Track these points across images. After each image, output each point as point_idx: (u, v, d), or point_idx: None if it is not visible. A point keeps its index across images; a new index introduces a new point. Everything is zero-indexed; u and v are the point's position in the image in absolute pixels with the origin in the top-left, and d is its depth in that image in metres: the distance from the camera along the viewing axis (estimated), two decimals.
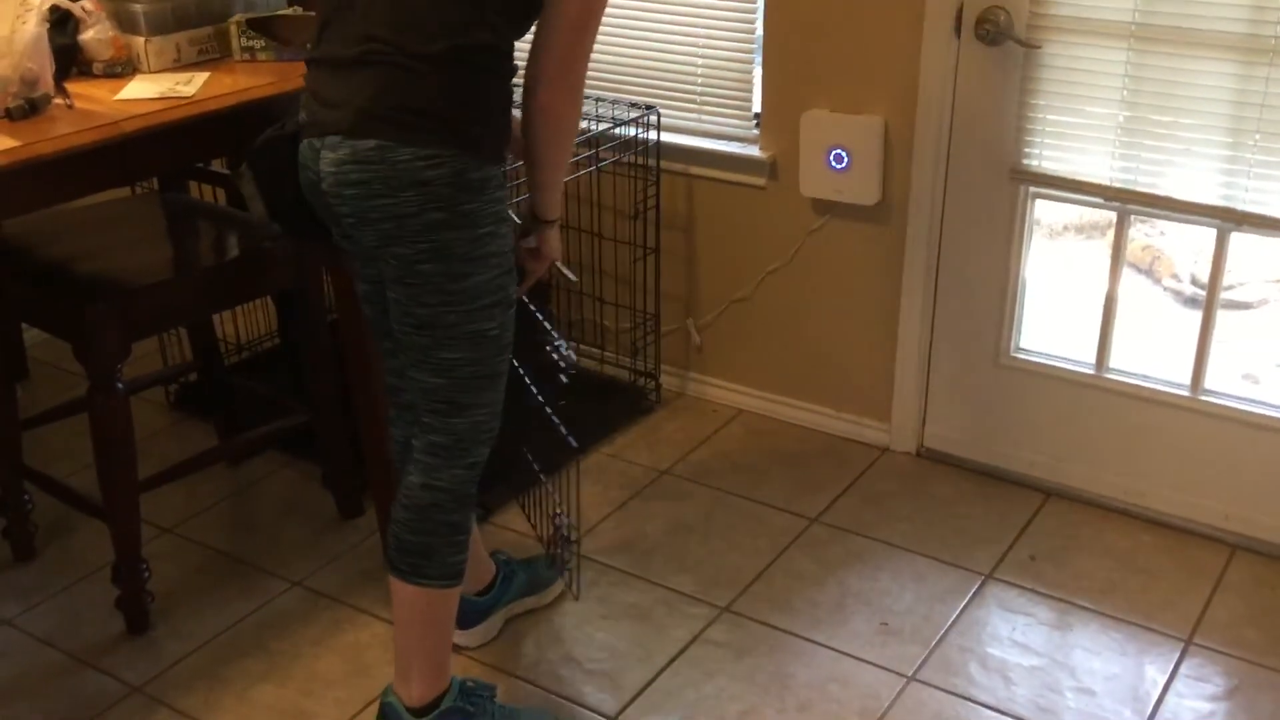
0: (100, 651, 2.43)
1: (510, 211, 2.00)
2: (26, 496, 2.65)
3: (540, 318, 2.49)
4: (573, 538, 2.52)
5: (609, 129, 2.95)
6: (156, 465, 2.57)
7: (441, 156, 1.82)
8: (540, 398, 2.58)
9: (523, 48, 1.90)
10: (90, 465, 2.41)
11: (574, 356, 2.37)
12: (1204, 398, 2.64)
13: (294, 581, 2.62)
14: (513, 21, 1.89)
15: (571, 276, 2.33)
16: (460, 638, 2.40)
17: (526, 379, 2.62)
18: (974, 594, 2.55)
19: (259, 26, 2.55)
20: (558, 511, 2.53)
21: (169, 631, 2.48)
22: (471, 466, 2.03)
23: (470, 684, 2.14)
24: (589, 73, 3.14)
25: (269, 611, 2.53)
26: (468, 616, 2.39)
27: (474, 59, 1.84)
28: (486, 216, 1.88)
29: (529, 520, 2.77)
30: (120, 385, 2.32)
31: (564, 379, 2.38)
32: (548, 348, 2.41)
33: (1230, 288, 2.93)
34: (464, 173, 1.84)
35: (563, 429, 2.46)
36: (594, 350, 3.33)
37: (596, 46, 3.07)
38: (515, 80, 1.95)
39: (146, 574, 2.47)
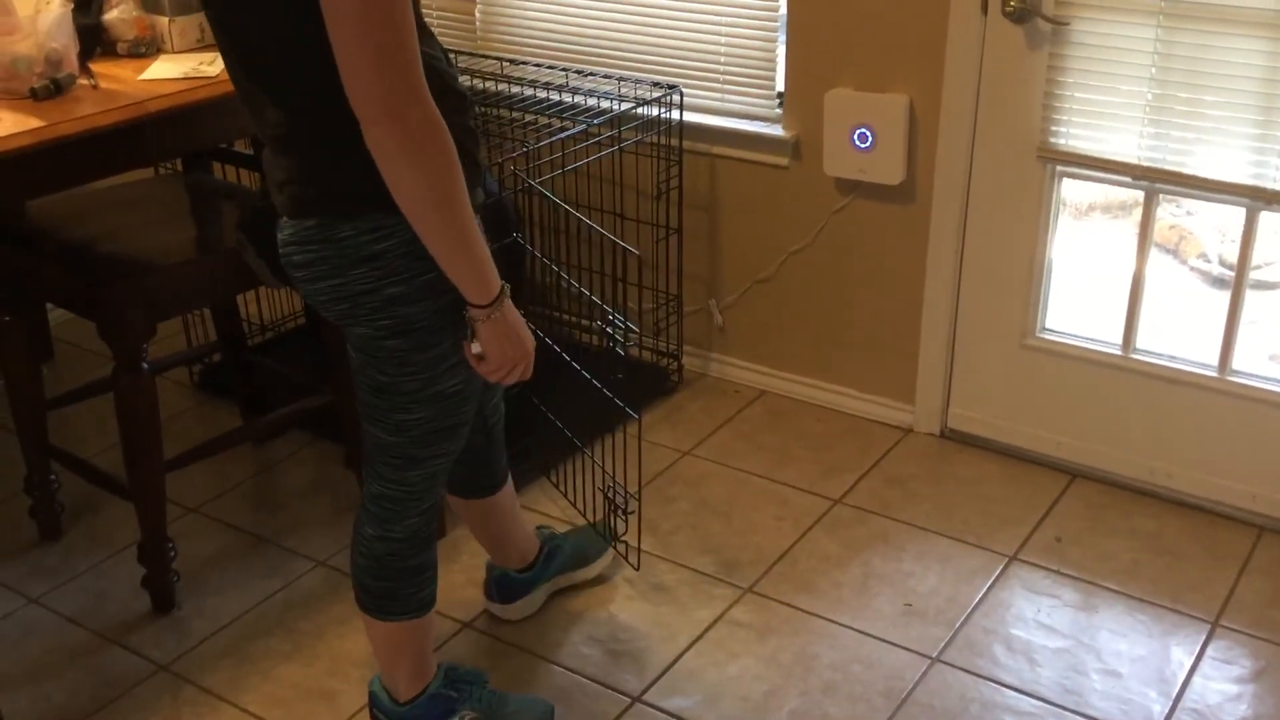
0: (126, 630, 2.44)
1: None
2: (53, 476, 2.67)
3: (589, 294, 2.49)
4: (630, 509, 2.52)
5: (631, 109, 2.94)
6: (181, 445, 2.58)
7: (389, 226, 1.65)
8: (586, 373, 2.58)
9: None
10: (116, 445, 2.42)
11: (635, 327, 2.35)
12: (1231, 378, 2.62)
13: (318, 561, 2.63)
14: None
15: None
16: (501, 611, 2.42)
17: (565, 355, 2.63)
18: (999, 575, 2.54)
19: None
20: (610, 484, 2.53)
21: (194, 610, 2.49)
22: (425, 512, 1.95)
23: (458, 670, 2.14)
24: (610, 51, 3.17)
25: (294, 591, 2.54)
26: (510, 591, 2.40)
27: None
28: (451, 282, 1.68)
29: (566, 496, 2.76)
30: (145, 365, 2.33)
31: (620, 351, 2.38)
32: (598, 322, 2.41)
33: (1258, 268, 2.90)
34: (419, 239, 1.63)
35: (619, 401, 2.46)
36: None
37: (620, 25, 3.10)
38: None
39: (172, 553, 2.48)
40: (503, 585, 2.39)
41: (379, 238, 1.67)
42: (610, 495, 2.56)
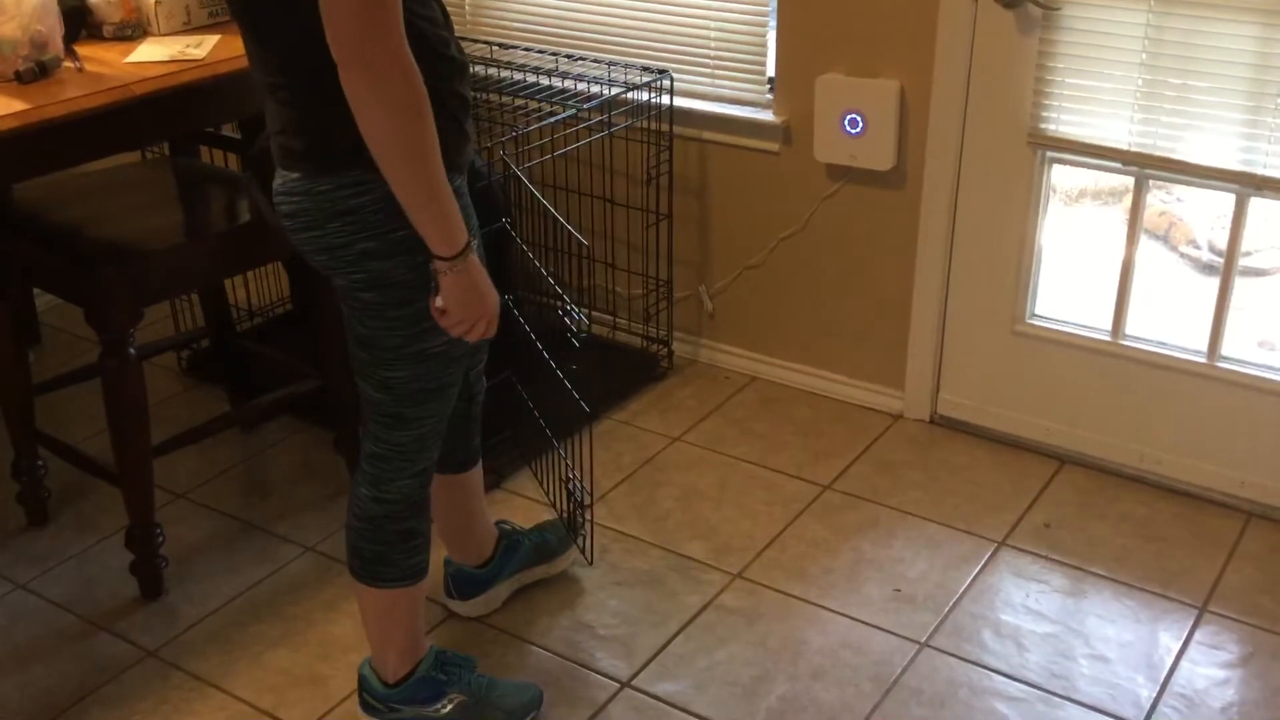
0: (114, 616, 2.44)
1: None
2: (40, 462, 2.66)
3: (552, 281, 2.48)
4: (585, 502, 2.51)
5: (621, 93, 2.93)
6: (169, 430, 2.57)
7: (366, 182, 1.69)
8: (553, 362, 2.57)
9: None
10: (103, 430, 2.41)
11: (586, 321, 2.33)
12: (1220, 365, 2.62)
13: (307, 546, 2.62)
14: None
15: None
16: (459, 608, 2.40)
17: (539, 344, 2.62)
18: (987, 561, 2.54)
19: None
20: (570, 476, 2.52)
21: (183, 596, 2.49)
22: (418, 475, 1.97)
23: (448, 654, 2.14)
24: (600, 36, 3.15)
25: (283, 576, 2.54)
26: (467, 588, 2.38)
27: None
28: None
29: (541, 486, 2.76)
30: (133, 350, 2.32)
31: (575, 343, 2.37)
32: (559, 312, 2.40)
33: (1248, 254, 2.90)
34: (394, 195, 1.67)
35: (575, 393, 2.45)
36: (606, 317, 3.32)
37: (610, 10, 3.09)
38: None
39: (160, 539, 2.47)
40: (459, 581, 2.38)
41: (355, 193, 1.71)
42: (571, 489, 2.54)
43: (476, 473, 2.29)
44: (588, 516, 2.53)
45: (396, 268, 1.76)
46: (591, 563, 2.53)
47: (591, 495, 2.55)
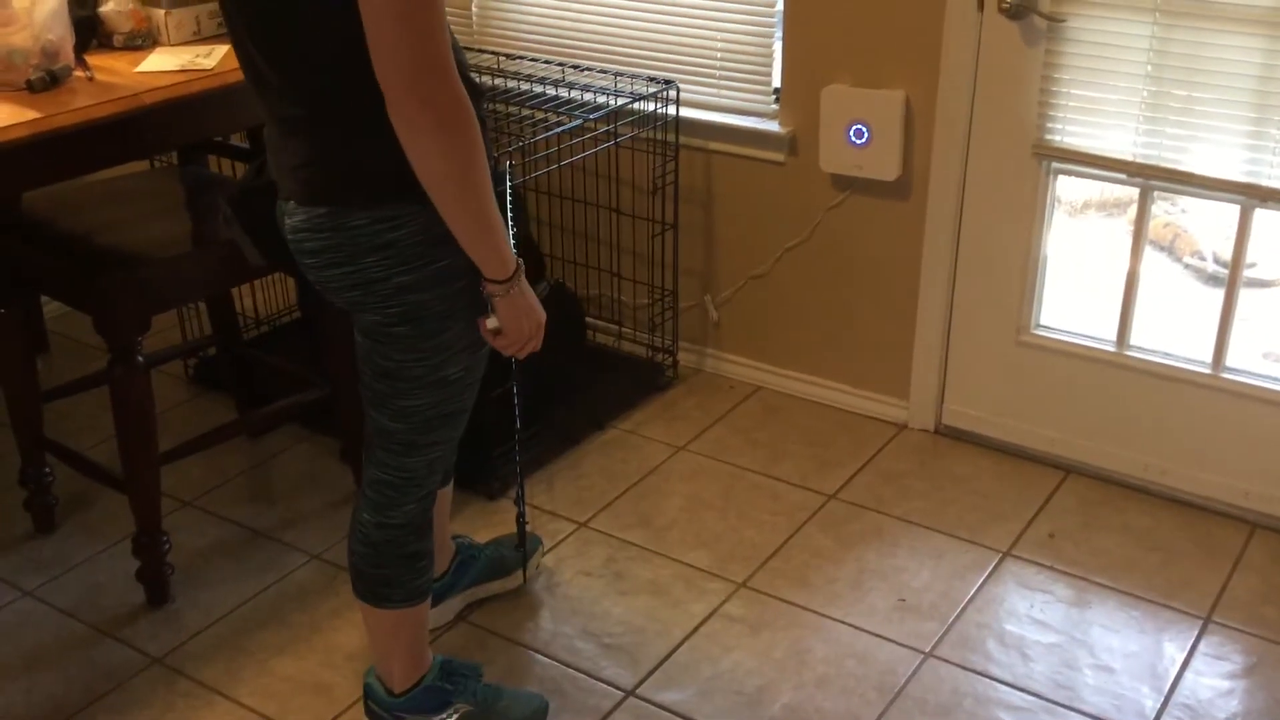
0: (121, 623, 2.44)
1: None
2: (47, 469, 2.67)
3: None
4: (527, 520, 2.46)
5: (628, 104, 2.94)
6: (176, 438, 2.58)
7: (402, 216, 1.67)
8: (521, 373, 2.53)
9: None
10: (110, 438, 2.42)
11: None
12: (1225, 376, 2.63)
13: (313, 554, 2.63)
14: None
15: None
16: None
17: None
18: (992, 571, 2.54)
19: None
20: (517, 494, 2.48)
21: (189, 603, 2.49)
22: (423, 499, 1.96)
23: (454, 663, 2.14)
24: (606, 46, 3.16)
25: (288, 584, 2.55)
26: None
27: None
28: (461, 269, 1.72)
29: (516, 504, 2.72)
30: (140, 358, 2.33)
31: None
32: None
33: (1252, 265, 2.91)
34: (430, 227, 1.67)
35: (516, 399, 2.40)
36: (611, 326, 3.33)
37: (617, 20, 3.10)
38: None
39: (167, 546, 2.48)
40: None
41: (391, 227, 1.68)
42: (514, 500, 2.48)
43: (448, 491, 2.28)
44: (525, 529, 2.47)
45: (433, 299, 1.74)
46: (525, 581, 2.50)
47: (523, 504, 2.47)
